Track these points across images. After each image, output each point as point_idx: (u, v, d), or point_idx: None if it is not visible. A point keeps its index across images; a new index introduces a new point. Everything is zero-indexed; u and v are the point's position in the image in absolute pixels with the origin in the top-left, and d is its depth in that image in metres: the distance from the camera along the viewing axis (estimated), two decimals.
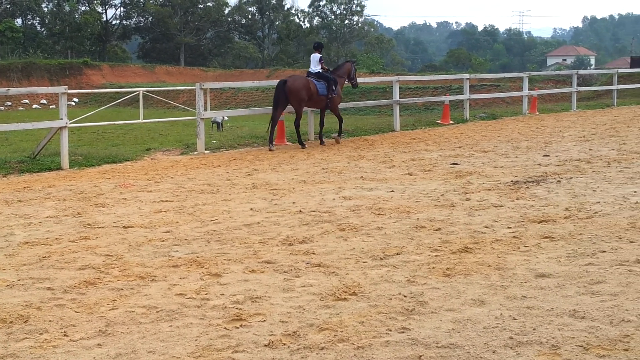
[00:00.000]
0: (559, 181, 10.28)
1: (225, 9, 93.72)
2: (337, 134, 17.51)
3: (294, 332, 4.54)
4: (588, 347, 4.18)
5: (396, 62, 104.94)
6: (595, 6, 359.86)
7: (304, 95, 16.27)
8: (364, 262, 6.22)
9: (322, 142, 16.92)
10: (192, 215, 8.47)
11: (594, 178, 10.46)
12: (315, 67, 16.98)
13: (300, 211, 8.60)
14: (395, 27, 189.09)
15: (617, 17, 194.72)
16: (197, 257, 6.50)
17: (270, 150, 15.77)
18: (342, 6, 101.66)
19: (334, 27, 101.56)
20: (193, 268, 6.14)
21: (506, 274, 5.70)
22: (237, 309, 5.02)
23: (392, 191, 9.88)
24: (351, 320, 4.71)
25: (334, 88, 16.94)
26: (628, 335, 4.32)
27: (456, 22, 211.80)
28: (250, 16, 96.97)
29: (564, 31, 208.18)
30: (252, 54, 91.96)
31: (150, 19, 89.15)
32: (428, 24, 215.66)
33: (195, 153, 15.36)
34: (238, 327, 4.67)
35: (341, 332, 4.51)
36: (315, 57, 17.12)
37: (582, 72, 36.92)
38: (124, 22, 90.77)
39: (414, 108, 39.32)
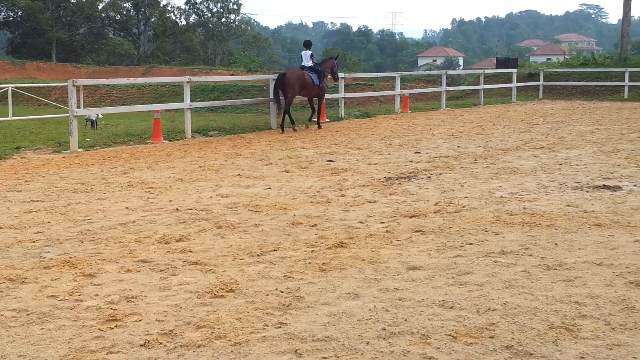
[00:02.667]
0: (429, 177, 10.65)
1: (99, 5, 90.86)
2: (309, 121, 20.16)
3: (170, 330, 4.52)
4: (456, 335, 4.37)
5: (273, 60, 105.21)
6: (463, 9, 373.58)
7: (298, 86, 18.84)
8: (241, 259, 6.25)
9: (319, 126, 19.83)
10: (65, 215, 8.23)
11: (462, 174, 10.91)
12: (307, 62, 19.58)
13: (177, 209, 8.52)
14: (272, 26, 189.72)
15: (484, 19, 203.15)
16: (70, 257, 6.33)
17: (282, 132, 18.55)
18: (219, 4, 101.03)
19: (210, 25, 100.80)
20: (66, 269, 5.98)
21: (379, 268, 5.88)
22: (111, 309, 4.94)
23: (269, 188, 9.95)
24: (228, 317, 4.73)
25: (324, 79, 19.79)
26: (494, 323, 4.55)
27: (331, 23, 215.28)
28: (125, 12, 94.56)
29: (434, 33, 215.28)
30: (127, 51, 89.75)
31: (20, 13, 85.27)
32: (304, 24, 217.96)
33: (68, 152, 14.89)
34: (113, 328, 4.60)
35: (218, 329, 4.52)
36: (307, 53, 19.65)
37: (450, 72, 38.27)
38: None
39: (292, 106, 39.56)
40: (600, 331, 4.40)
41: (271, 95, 20.64)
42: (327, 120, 22.12)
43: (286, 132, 18.62)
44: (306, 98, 20.27)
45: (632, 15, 42.01)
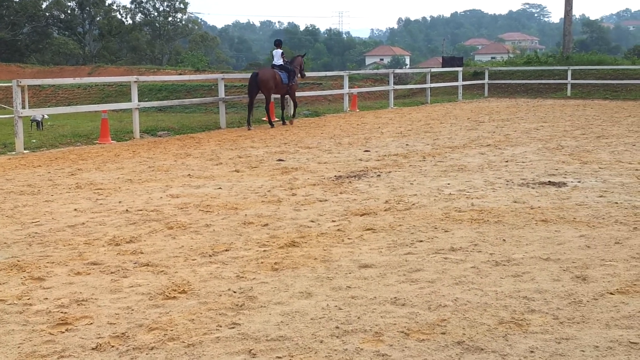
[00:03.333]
0: (379, 175, 10.73)
1: (42, 3, 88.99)
2: (292, 117, 21.36)
3: (122, 333, 4.48)
4: (409, 332, 4.43)
5: (221, 60, 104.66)
6: (409, 8, 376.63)
7: (272, 84, 19.75)
8: (193, 260, 6.22)
9: (284, 123, 20.68)
10: (12, 218, 8.07)
11: (411, 172, 11.02)
12: (278, 61, 20.61)
13: (127, 210, 8.43)
14: (220, 26, 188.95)
15: (429, 19, 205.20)
16: (18, 261, 6.22)
17: (248, 129, 19.24)
18: (165, 3, 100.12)
19: (157, 24, 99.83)
20: (14, 273, 5.87)
21: (331, 266, 5.91)
22: (62, 313, 4.87)
23: (220, 188, 9.91)
24: (181, 319, 4.71)
25: (294, 77, 20.75)
26: (445, 320, 4.61)
27: (279, 22, 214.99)
28: (69, 11, 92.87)
29: (380, 32, 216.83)
30: (72, 50, 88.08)
31: None
32: (252, 23, 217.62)
33: (13, 153, 14.59)
34: (64, 332, 4.54)
35: (171, 330, 4.50)
36: (278, 52, 20.78)
37: (397, 71, 38.51)
38: None
39: (240, 106, 39.40)
40: (549, 325, 4.50)
41: (221, 95, 20.60)
42: (276, 119, 22.10)
43: (241, 129, 18.56)
44: (278, 95, 21.11)
45: (573, 14, 42.88)
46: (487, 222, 7.44)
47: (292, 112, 21.75)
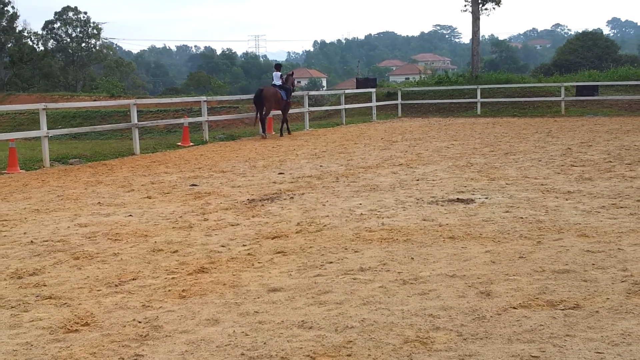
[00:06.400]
0: (292, 197, 10.74)
1: None
2: (286, 131, 24.90)
3: None
4: (315, 355, 4.41)
5: (137, 85, 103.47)
6: (324, 31, 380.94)
7: (273, 100, 23.55)
8: (98, 290, 6.06)
9: (281, 134, 24.45)
10: None
11: (324, 193, 11.07)
12: (277, 81, 24.53)
13: (31, 242, 8.18)
14: (135, 51, 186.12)
15: (344, 41, 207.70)
16: None
17: (263, 137, 23.54)
18: (78, 29, 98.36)
19: (70, 50, 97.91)
20: None
21: (240, 291, 5.85)
22: None
23: (130, 215, 9.73)
24: (82, 352, 4.57)
25: (290, 95, 24.77)
26: (351, 341, 4.62)
27: (195, 46, 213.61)
28: None
29: (297, 55, 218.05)
30: None
31: None
32: (168, 48, 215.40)
33: None
34: None
35: None
36: (277, 74, 24.81)
37: (312, 93, 38.75)
38: None
39: (157, 131, 38.98)
40: (453, 342, 4.56)
41: (134, 121, 20.32)
42: (191, 144, 21.92)
43: (155, 155, 18.31)
44: (277, 109, 24.50)
45: (482, 34, 44.13)
46: (396, 240, 7.51)
47: (286, 127, 25.04)
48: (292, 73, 26.77)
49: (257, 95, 23.57)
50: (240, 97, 33.76)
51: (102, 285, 6.21)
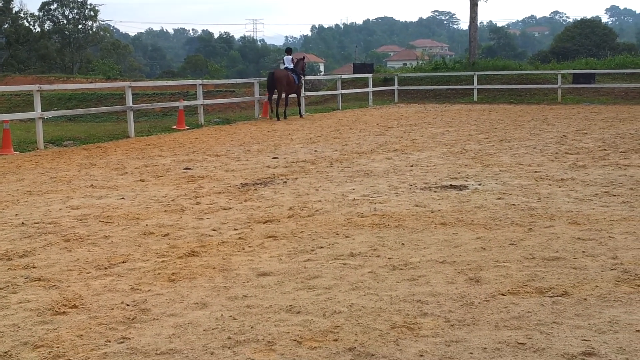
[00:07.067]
0: (285, 182, 10.72)
1: None
2: (303, 113, 26.12)
3: (5, 352, 4.31)
4: (301, 340, 4.40)
5: (134, 68, 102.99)
6: (322, 16, 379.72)
7: (285, 82, 24.02)
8: (88, 273, 6.05)
9: (285, 117, 24.76)
10: None
11: (318, 178, 11.05)
12: (290, 65, 25.10)
13: (22, 223, 8.16)
14: (133, 33, 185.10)
15: (342, 26, 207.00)
16: None
17: (277, 120, 24.17)
18: (75, 10, 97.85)
19: (67, 32, 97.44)
20: None
21: (230, 275, 5.85)
22: None
23: (123, 198, 9.71)
24: (69, 335, 4.56)
25: (301, 78, 25.44)
26: (338, 326, 4.61)
27: (193, 29, 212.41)
28: None
29: (295, 39, 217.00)
30: None
31: None
32: (165, 30, 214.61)
33: None
34: None
35: (57, 347, 4.35)
36: (288, 58, 25.48)
37: (309, 77, 38.52)
38: None
39: (153, 114, 38.84)
40: (440, 328, 4.56)
41: (128, 104, 20.25)
42: (186, 127, 21.87)
43: (150, 138, 18.27)
44: (288, 93, 25.05)
45: (481, 21, 44.03)
46: (388, 226, 7.51)
47: (302, 109, 26.15)
48: (304, 57, 27.23)
49: (270, 79, 24.11)
50: (237, 81, 33.68)
51: (92, 268, 6.20)
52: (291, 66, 25.14)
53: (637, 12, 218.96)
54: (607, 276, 5.59)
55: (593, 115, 23.38)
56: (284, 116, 24.93)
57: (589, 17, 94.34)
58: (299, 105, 25.99)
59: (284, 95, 24.87)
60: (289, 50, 26.54)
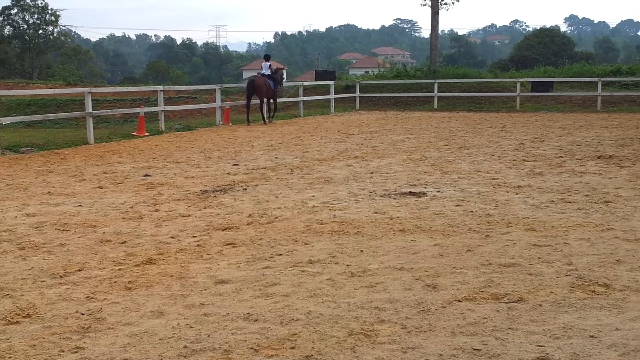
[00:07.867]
0: (245, 189, 10.69)
1: None
2: (271, 118, 26.50)
3: None
4: (258, 348, 4.39)
5: (95, 73, 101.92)
6: (285, 23, 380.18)
7: (264, 88, 25.09)
8: (42, 282, 5.96)
9: (265, 122, 25.73)
10: None
11: (278, 185, 11.04)
12: (267, 71, 25.86)
13: None
14: (94, 39, 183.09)
15: (305, 33, 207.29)
16: None
17: (248, 124, 24.91)
18: (36, 15, 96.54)
19: (27, 37, 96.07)
20: None
21: (187, 283, 5.80)
22: None
23: (80, 205, 9.59)
24: (22, 345, 4.49)
25: (278, 85, 26.18)
26: (296, 334, 4.61)
27: (155, 35, 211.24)
28: None
29: (258, 46, 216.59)
30: None
31: None
32: (127, 36, 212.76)
33: None
34: None
35: (9, 358, 4.28)
36: (266, 64, 26.18)
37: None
38: None
39: (113, 121, 38.40)
40: (397, 335, 4.57)
41: (88, 110, 20.03)
42: (146, 134, 21.69)
43: (109, 144, 18.09)
44: (265, 98, 25.90)
45: (442, 29, 44.40)
46: (347, 233, 7.52)
47: (272, 114, 26.59)
48: (284, 67, 28.89)
49: (249, 85, 25.24)
50: (199, 87, 33.52)
51: (47, 276, 6.11)
52: (268, 72, 25.87)
53: (595, 22, 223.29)
54: (562, 282, 5.66)
55: (550, 123, 23.72)
56: (270, 119, 26.20)
57: (548, 26, 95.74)
58: (270, 111, 26.48)
59: (265, 100, 25.86)
60: (266, 57, 27.27)
